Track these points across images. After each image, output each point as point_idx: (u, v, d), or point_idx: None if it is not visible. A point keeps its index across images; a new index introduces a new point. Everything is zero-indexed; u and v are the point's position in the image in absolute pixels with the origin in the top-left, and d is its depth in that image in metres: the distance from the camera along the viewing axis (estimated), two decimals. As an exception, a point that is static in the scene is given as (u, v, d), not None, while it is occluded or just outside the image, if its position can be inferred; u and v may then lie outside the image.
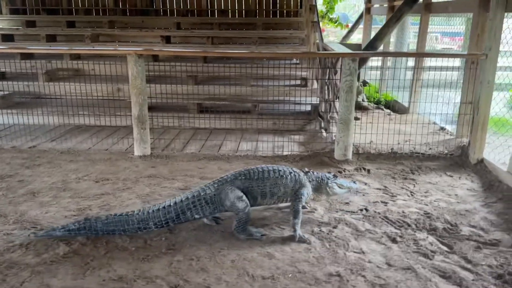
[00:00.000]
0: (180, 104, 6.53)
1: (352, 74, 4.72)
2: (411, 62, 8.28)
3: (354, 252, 3.09)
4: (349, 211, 3.74)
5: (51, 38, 8.52)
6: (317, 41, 7.24)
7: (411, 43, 9.11)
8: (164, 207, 3.18)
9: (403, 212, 3.72)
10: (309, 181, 3.57)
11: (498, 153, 4.85)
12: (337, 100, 5.41)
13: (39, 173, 4.50)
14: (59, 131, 6.03)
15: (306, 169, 3.70)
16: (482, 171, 4.61)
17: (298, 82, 7.14)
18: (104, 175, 4.46)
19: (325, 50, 6.61)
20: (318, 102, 6.55)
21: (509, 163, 4.26)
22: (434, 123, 6.37)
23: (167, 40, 8.29)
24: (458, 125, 5.63)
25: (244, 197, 3.26)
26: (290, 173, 3.46)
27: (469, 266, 2.97)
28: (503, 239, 3.31)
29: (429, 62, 7.19)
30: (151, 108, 6.73)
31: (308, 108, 6.67)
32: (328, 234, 3.30)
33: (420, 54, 6.71)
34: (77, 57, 7.74)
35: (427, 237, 3.32)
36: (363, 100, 7.56)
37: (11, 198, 3.85)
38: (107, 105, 6.05)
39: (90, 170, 4.58)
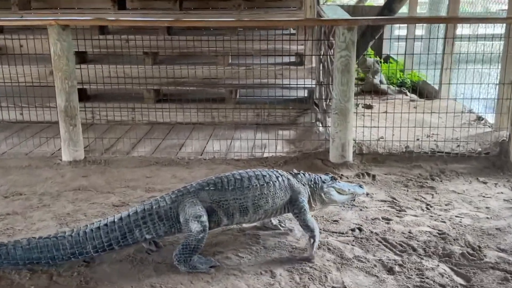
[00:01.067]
0: (132, 92, 6.52)
1: (349, 48, 4.68)
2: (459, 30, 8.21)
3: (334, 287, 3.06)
4: (336, 232, 3.70)
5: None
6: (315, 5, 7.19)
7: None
8: (106, 225, 3.15)
9: (409, 232, 3.68)
10: (303, 185, 3.56)
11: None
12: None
13: None
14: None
15: (295, 171, 3.69)
16: (527, 176, 4.60)
17: (292, 60, 7.15)
18: (17, 188, 4.46)
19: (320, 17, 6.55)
20: (315, 86, 6.52)
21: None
22: (470, 111, 6.30)
23: (121, 4, 8.26)
24: (496, 114, 5.57)
25: (204, 218, 3.20)
26: (278, 177, 3.45)
27: (491, 307, 2.94)
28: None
29: (468, 30, 7.14)
30: (93, 97, 6.83)
31: (304, 94, 6.65)
32: (300, 264, 3.26)
33: (441, 19, 6.65)
34: (-1, 30, 7.77)
35: (438, 265, 3.27)
36: (380, 82, 7.52)
37: None
38: (36, 94, 6.06)
39: (0, 182, 4.59)
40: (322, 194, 3.62)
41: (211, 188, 3.30)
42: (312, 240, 3.34)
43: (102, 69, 6.18)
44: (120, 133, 6.02)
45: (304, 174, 3.65)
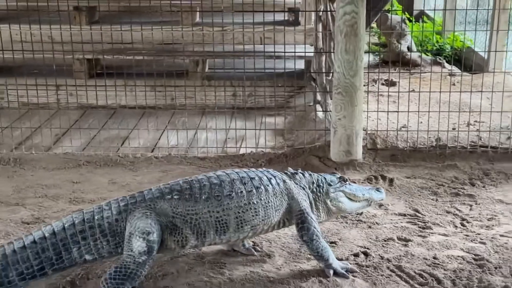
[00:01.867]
0: (58, 63, 6.49)
1: (356, 1, 4.70)
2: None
3: None
4: (331, 258, 3.72)
5: None
6: None
7: None
8: (34, 242, 3.18)
9: (434, 257, 3.69)
10: (302, 188, 3.60)
11: None
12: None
13: None
14: None
15: (291, 170, 3.71)
16: None
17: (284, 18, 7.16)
18: None
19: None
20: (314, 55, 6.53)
21: None
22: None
23: None
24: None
25: (153, 237, 3.21)
26: (270, 179, 3.47)
27: None
28: None
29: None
30: (1, 70, 6.89)
31: (300, 66, 6.67)
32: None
33: None
34: None
35: (472, 305, 3.33)
36: (409, 49, 7.54)
37: None
38: None
39: None
40: (328, 201, 3.65)
41: (175, 196, 3.30)
42: (329, 271, 3.41)
43: (12, 30, 6.17)
44: (39, 121, 6.00)
45: (303, 174, 3.68)
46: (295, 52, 6.22)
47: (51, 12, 6.51)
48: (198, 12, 7.12)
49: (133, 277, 3.18)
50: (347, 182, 3.77)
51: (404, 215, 4.28)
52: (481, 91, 5.87)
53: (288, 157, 5.10)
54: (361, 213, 4.03)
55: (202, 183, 3.34)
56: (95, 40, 6.55)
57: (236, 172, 3.45)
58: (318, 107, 6.07)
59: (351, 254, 3.74)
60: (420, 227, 4.08)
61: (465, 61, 7.38)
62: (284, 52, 6.23)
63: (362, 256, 3.74)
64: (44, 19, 6.36)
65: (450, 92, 5.63)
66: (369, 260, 3.69)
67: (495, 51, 7.02)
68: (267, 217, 3.41)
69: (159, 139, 5.64)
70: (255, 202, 3.36)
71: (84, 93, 6.32)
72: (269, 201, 3.41)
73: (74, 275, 3.50)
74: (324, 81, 5.94)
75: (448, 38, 8.03)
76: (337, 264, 3.47)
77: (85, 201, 4.39)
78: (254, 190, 3.37)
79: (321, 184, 3.67)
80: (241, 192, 3.35)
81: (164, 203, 3.29)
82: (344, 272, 3.44)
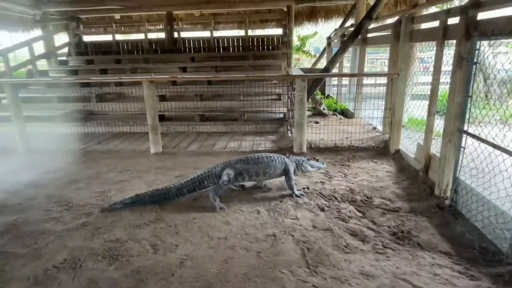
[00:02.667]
0: (189, 115, 6.54)
1: (303, 90, 4.65)
2: (365, 80, 8.11)
3: (291, 218, 3.07)
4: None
5: (103, 72, 8.64)
6: (287, 68, 7.18)
7: (366, 67, 8.92)
8: (192, 179, 3.27)
9: (334, 189, 3.67)
10: (291, 162, 3.56)
11: (410, 145, 4.76)
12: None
13: (82, 167, 4.57)
14: (103, 137, 6.07)
15: (288, 154, 3.70)
16: (398, 158, 4.52)
17: (274, 97, 7.10)
18: (126, 167, 4.48)
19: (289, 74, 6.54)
20: (286, 111, 6.48)
21: (415, 152, 4.17)
22: (370, 124, 6.26)
23: (184, 70, 8.31)
24: (383, 125, 5.52)
25: (231, 176, 3.24)
26: (278, 157, 3.46)
27: (374, 227, 2.94)
28: (403, 207, 3.26)
29: (366, 80, 7.08)
30: (169, 119, 6.80)
31: (281, 115, 6.61)
32: (274, 206, 3.28)
33: (351, 75, 6.63)
34: (120, 84, 7.82)
35: (348, 206, 3.28)
36: (324, 109, 7.43)
37: (57, 185, 3.93)
38: (138, 118, 6.12)
39: (118, 164, 4.61)
40: (302, 167, 3.63)
41: (240, 162, 3.34)
42: (292, 193, 3.43)
43: (173, 104, 6.18)
44: (181, 138, 5.94)
45: (292, 156, 3.65)
46: (279, 111, 6.22)
47: (186, 96, 6.49)
48: (241, 95, 6.99)
49: (221, 189, 3.19)
50: (310, 160, 3.71)
51: (322, 173, 4.12)
52: (352, 125, 5.79)
53: (277, 151, 4.91)
54: (312, 173, 3.91)
55: (251, 157, 3.33)
56: (203, 107, 6.56)
57: (264, 154, 3.41)
58: (288, 132, 5.96)
59: (302, 188, 3.68)
60: (328, 178, 4.02)
61: (345, 114, 7.31)
62: (275, 111, 6.24)
63: (306, 188, 3.68)
64: (183, 99, 6.34)
65: (340, 125, 5.56)
66: (309, 190, 3.64)
67: (355, 110, 6.94)
68: (274, 172, 3.37)
69: (227, 145, 5.46)
70: (270, 165, 3.36)
71: (198, 126, 6.25)
72: (276, 165, 3.35)
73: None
74: (291, 122, 5.87)
75: (339, 104, 7.94)
76: (296, 191, 3.44)
77: (199, 168, 4.29)
78: (270, 161, 3.33)
79: (299, 160, 3.61)
80: (266, 161, 3.31)
81: (237, 164, 3.27)
82: (299, 195, 3.41)
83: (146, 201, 3.22)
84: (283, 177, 3.53)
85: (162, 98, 6.91)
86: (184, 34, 10.25)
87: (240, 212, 3.17)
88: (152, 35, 11.00)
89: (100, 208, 3.26)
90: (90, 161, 4.81)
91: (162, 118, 6.31)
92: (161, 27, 10.42)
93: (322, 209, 3.23)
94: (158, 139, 5.05)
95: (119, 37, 10.66)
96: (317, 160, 3.81)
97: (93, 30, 10.90)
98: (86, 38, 10.48)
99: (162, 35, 10.58)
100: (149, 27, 10.50)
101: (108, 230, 2.89)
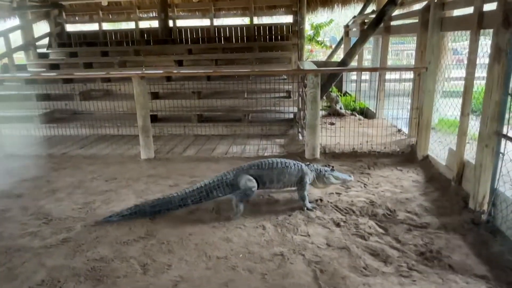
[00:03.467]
0: (185, 115, 6.58)
1: (315, 87, 4.67)
2: (388, 75, 8.13)
3: (301, 235, 3.07)
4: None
5: (88, 66, 8.76)
6: (298, 61, 7.20)
7: (390, 59, 8.92)
8: (198, 188, 3.32)
9: (352, 201, 3.65)
10: (310, 171, 3.59)
11: (441, 150, 4.73)
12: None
13: (63, 174, 4.63)
14: (87, 140, 6.14)
15: (308, 162, 3.74)
16: (426, 166, 4.49)
17: (283, 95, 7.11)
18: (113, 175, 4.52)
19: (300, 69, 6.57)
20: (296, 111, 6.49)
21: (446, 158, 4.15)
22: (394, 126, 6.23)
23: (180, 63, 8.39)
24: (409, 127, 5.51)
25: (254, 183, 3.35)
26: (294, 164, 3.50)
27: (398, 245, 2.92)
28: (432, 222, 3.24)
29: (389, 75, 7.09)
30: (162, 120, 6.85)
31: (291, 116, 6.60)
32: (282, 221, 3.28)
33: (372, 69, 6.63)
34: (107, 79, 7.90)
35: (368, 221, 3.26)
36: (340, 108, 7.44)
37: (35, 195, 3.99)
38: (128, 118, 6.19)
39: (104, 171, 4.66)
40: (325, 179, 3.63)
41: (254, 168, 3.41)
42: (303, 205, 3.45)
43: (172, 102, 6.30)
44: (176, 141, 5.98)
45: (313, 165, 3.66)
46: (289, 110, 6.25)
47: (182, 93, 6.55)
48: (245, 93, 7.01)
49: (249, 197, 3.35)
50: (334, 170, 3.71)
51: (338, 182, 4.18)
52: (373, 127, 5.79)
53: (286, 157, 4.88)
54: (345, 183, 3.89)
55: (265, 162, 3.40)
56: (201, 105, 6.61)
57: (279, 160, 3.47)
58: (299, 134, 5.96)
59: (314, 200, 3.69)
60: (345, 188, 4.01)
61: (365, 114, 7.32)
62: (284, 111, 6.27)
63: (319, 201, 3.69)
64: (179, 97, 6.40)
65: (360, 127, 5.57)
66: (322, 202, 3.65)
67: (377, 109, 6.93)
68: (289, 179, 3.43)
69: (228, 149, 5.48)
70: (285, 172, 3.41)
71: (196, 129, 6.31)
72: (291, 172, 3.40)
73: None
74: (302, 123, 5.89)
75: (358, 103, 7.93)
76: (308, 204, 3.45)
77: (196, 176, 4.34)
78: (285, 167, 3.39)
79: (321, 170, 3.62)
80: (280, 167, 3.38)
81: (250, 170, 3.40)
82: (311, 208, 3.43)
83: (147, 212, 3.27)
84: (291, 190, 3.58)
85: (155, 95, 6.97)
86: (180, 23, 10.33)
87: (243, 227, 3.18)
88: (144, 24, 11.15)
89: (94, 221, 3.30)
90: (73, 167, 4.87)
91: (154, 118, 6.36)
92: (154, 14, 10.52)
93: (338, 225, 3.22)
94: (150, 143, 5.09)
95: (106, 26, 10.79)
96: (333, 168, 3.80)
97: (77, 18, 11.07)
98: (69, 28, 10.64)
99: (155, 23, 10.72)
100: (141, 15, 10.61)
101: (92, 247, 2.92)
